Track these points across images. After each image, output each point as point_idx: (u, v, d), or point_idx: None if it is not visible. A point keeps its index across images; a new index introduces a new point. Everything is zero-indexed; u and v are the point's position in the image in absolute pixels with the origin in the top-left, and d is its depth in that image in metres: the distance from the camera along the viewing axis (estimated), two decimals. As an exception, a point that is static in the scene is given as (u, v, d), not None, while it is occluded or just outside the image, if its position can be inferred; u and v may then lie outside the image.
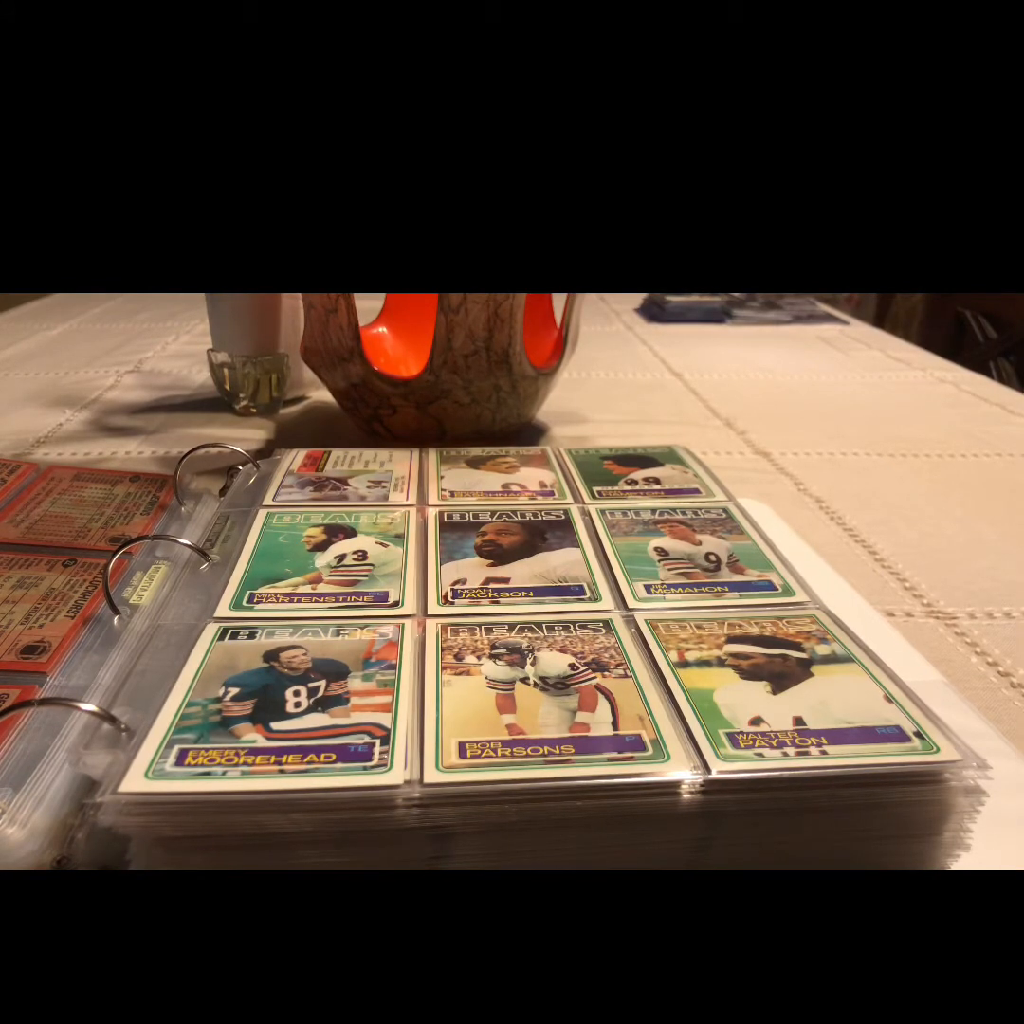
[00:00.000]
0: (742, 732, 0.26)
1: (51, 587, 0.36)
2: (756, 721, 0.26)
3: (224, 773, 0.24)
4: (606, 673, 0.29)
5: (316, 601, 0.33)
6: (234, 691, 0.27)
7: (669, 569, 0.37)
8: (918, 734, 0.26)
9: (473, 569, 0.36)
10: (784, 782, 0.24)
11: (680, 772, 0.24)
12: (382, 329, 0.67)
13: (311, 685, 0.28)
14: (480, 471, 0.48)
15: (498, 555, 0.38)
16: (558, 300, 0.64)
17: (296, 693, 0.27)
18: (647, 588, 0.35)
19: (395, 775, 0.24)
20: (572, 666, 0.29)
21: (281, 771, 0.24)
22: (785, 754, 0.25)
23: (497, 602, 0.34)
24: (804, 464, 0.61)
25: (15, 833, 0.24)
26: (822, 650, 0.30)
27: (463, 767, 0.24)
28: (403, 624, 0.32)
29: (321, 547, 0.38)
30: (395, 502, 0.43)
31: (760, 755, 0.25)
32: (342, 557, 0.37)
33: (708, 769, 0.24)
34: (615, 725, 0.26)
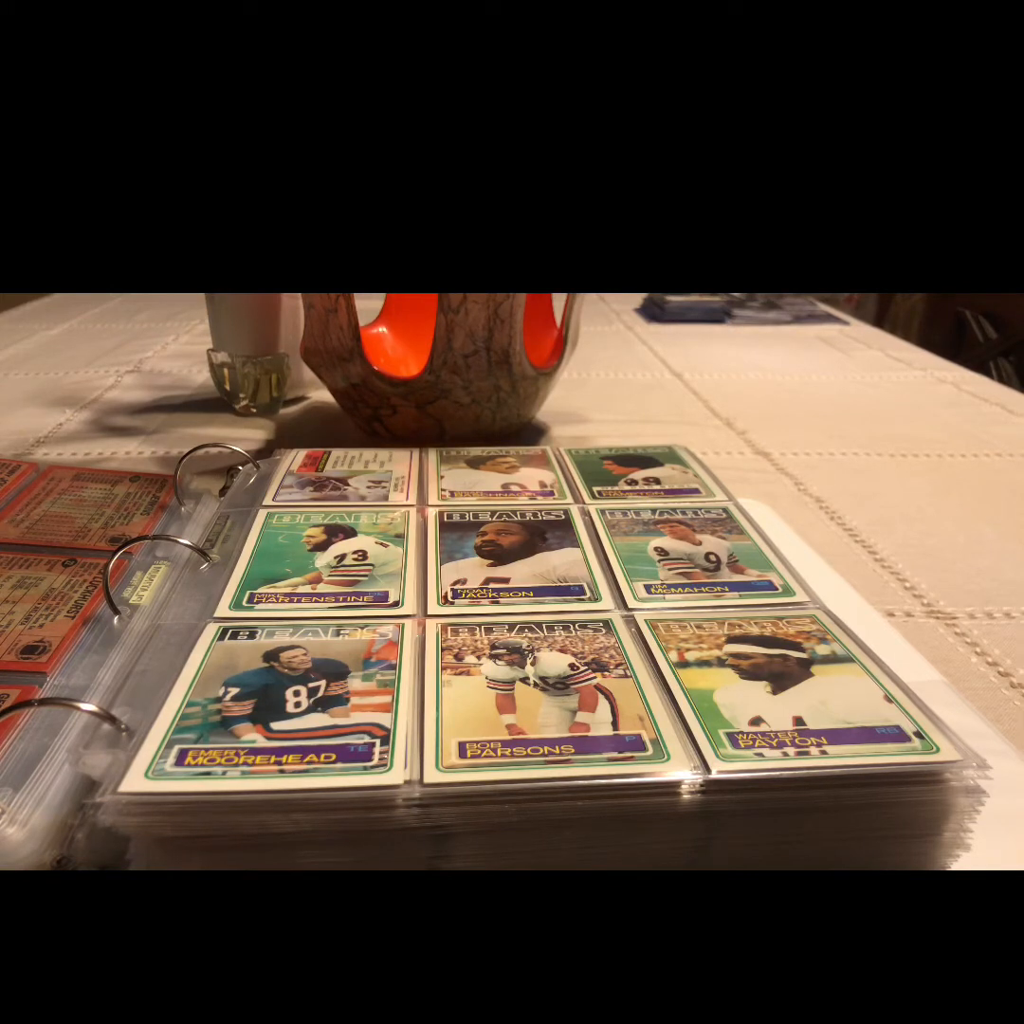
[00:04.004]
0: (742, 732, 0.26)
1: (51, 587, 0.36)
2: (756, 721, 0.26)
3: (224, 773, 0.24)
4: (606, 673, 0.29)
5: (316, 601, 0.33)
6: (234, 691, 0.27)
7: (669, 569, 0.37)
8: (918, 734, 0.26)
9: (473, 569, 0.36)
10: (784, 782, 0.24)
11: (680, 772, 0.24)
12: (382, 329, 0.67)
13: (311, 685, 0.28)
14: (480, 471, 0.48)
15: (498, 555, 0.38)
16: (558, 300, 0.64)
17: (296, 693, 0.27)
18: (647, 588, 0.35)
19: (395, 775, 0.24)
20: (572, 666, 0.29)
21: (281, 771, 0.24)
22: (785, 754, 0.25)
23: (497, 602, 0.34)
24: (804, 464, 0.61)
25: (15, 833, 0.24)
26: (822, 650, 0.30)
27: (463, 767, 0.24)
28: (403, 624, 0.32)
29: (321, 547, 0.38)
30: (395, 502, 0.43)
31: (760, 755, 0.25)
32: (342, 557, 0.37)
33: (708, 769, 0.24)
34: (615, 725, 0.26)
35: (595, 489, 0.45)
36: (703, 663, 0.29)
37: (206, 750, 0.25)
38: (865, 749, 0.25)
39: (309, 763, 0.24)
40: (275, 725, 0.26)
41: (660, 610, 0.33)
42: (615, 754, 0.25)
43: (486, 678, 0.28)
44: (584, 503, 0.43)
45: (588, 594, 0.34)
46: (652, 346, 0.96)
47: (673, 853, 0.25)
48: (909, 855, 0.25)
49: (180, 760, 0.24)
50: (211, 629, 0.31)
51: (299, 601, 0.33)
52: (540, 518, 0.41)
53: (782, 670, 0.29)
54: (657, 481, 0.46)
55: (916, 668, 0.35)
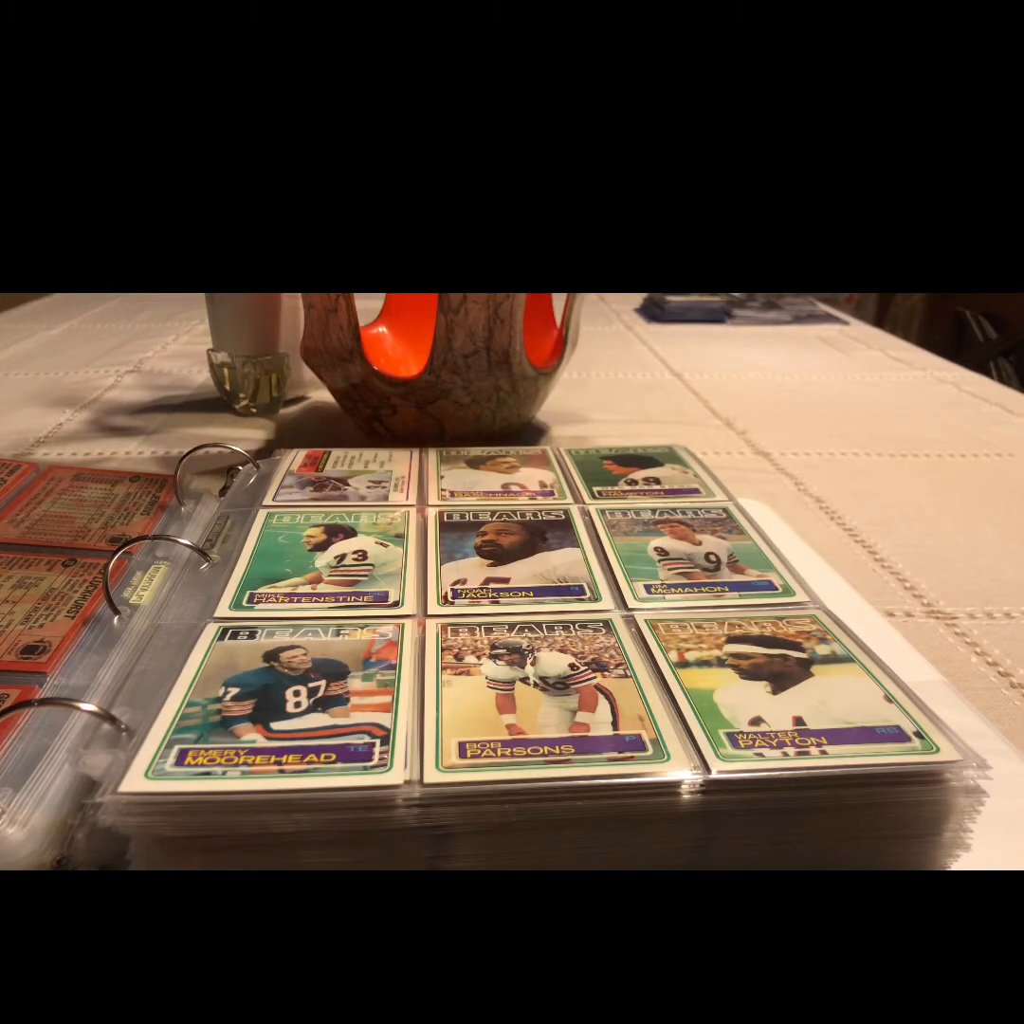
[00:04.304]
0: (742, 732, 0.26)
1: (51, 587, 0.36)
2: (756, 721, 0.26)
3: (224, 773, 0.24)
4: (606, 673, 0.29)
5: (316, 601, 0.33)
6: (234, 691, 0.27)
7: (669, 569, 0.37)
8: (918, 734, 0.26)
9: (473, 569, 0.36)
10: (784, 782, 0.24)
11: (680, 772, 0.24)
12: (382, 329, 0.67)
13: (311, 685, 0.28)
14: (480, 471, 0.48)
15: (498, 555, 0.38)
16: (558, 300, 0.64)
17: (296, 693, 0.27)
18: (647, 588, 0.35)
19: (395, 775, 0.24)
20: (572, 666, 0.29)
21: (281, 771, 0.24)
22: (785, 754, 0.25)
23: (497, 602, 0.34)
24: (804, 464, 0.61)
25: (15, 833, 0.24)
26: (822, 650, 0.30)
27: (463, 767, 0.24)
28: (403, 624, 0.32)
29: (321, 547, 0.38)
30: (395, 502, 0.43)
31: (760, 755, 0.25)
32: (342, 557, 0.37)
33: (708, 769, 0.24)
34: (615, 725, 0.26)
35: (595, 489, 0.45)
36: (703, 663, 0.29)
37: (206, 750, 0.25)
38: (865, 749, 0.25)
39: (309, 763, 0.24)
40: (275, 725, 0.26)
41: (660, 610, 0.33)
42: (615, 754, 0.25)
43: (486, 678, 0.28)
44: (584, 503, 0.43)
45: (588, 594, 0.34)
46: (652, 346, 0.96)
47: (673, 853, 0.25)
48: (909, 855, 0.25)
49: (180, 760, 0.24)
50: (211, 629, 0.31)
51: (299, 601, 0.33)
52: (540, 518, 0.41)
53: (782, 670, 0.29)
54: (657, 481, 0.46)
55: (916, 668, 0.35)
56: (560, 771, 0.24)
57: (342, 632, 0.31)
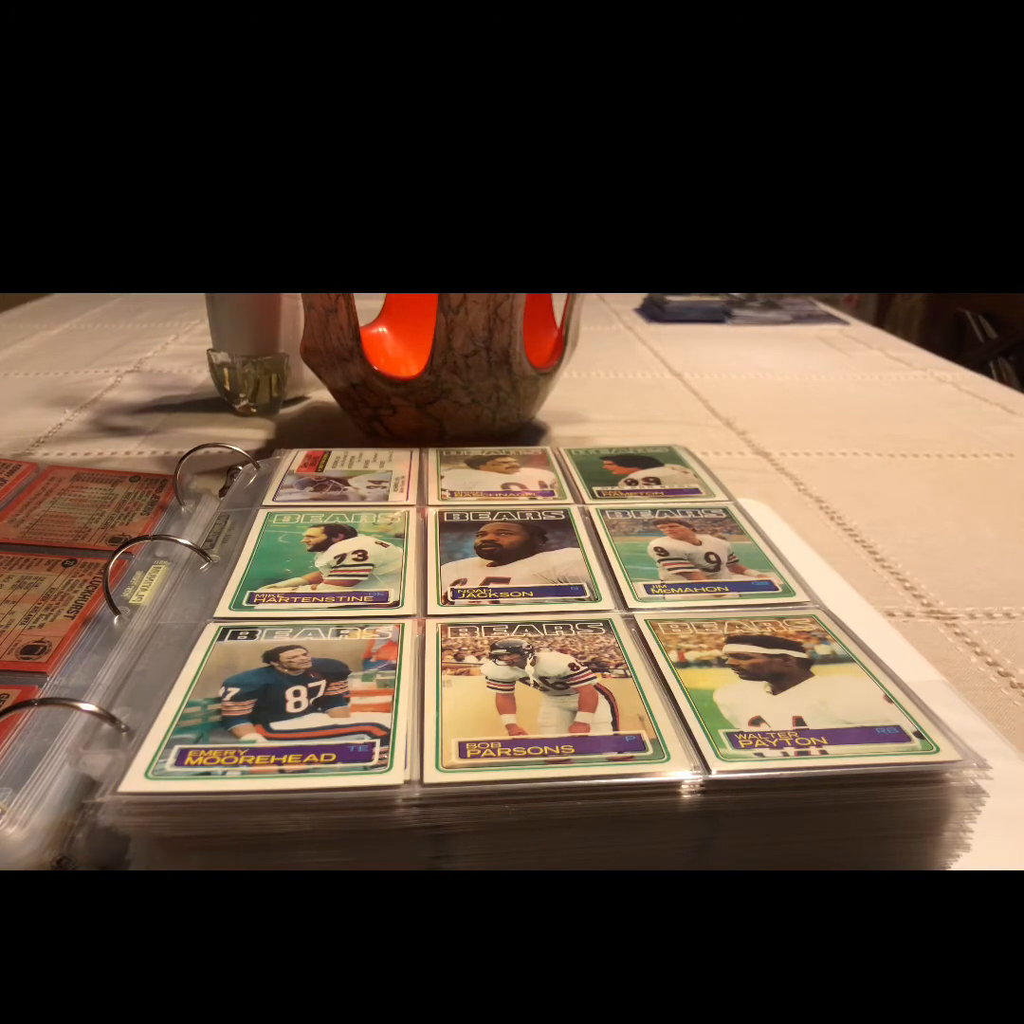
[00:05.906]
0: (742, 732, 0.26)
1: (51, 587, 0.36)
2: (756, 721, 0.26)
3: (224, 773, 0.24)
4: (606, 673, 0.29)
5: (316, 601, 0.33)
6: (234, 691, 0.27)
7: (669, 569, 0.37)
8: (918, 734, 0.26)
9: (473, 569, 0.36)
10: (784, 782, 0.24)
11: (680, 772, 0.24)
12: (382, 329, 0.67)
13: (311, 685, 0.28)
14: (480, 471, 0.48)
15: (498, 555, 0.38)
16: (558, 300, 0.64)
17: (296, 693, 0.27)
18: (647, 588, 0.35)
19: (395, 775, 0.24)
20: (572, 666, 0.29)
21: (281, 771, 0.24)
22: (785, 754, 0.25)
23: (497, 602, 0.34)
24: (804, 464, 0.61)
25: (15, 833, 0.24)
26: (822, 650, 0.30)
27: (463, 767, 0.24)
28: (403, 624, 0.32)
29: (321, 547, 0.38)
30: (395, 502, 0.43)
31: (760, 755, 0.25)
32: (342, 557, 0.37)
33: (708, 769, 0.24)
34: (615, 725, 0.26)
35: (595, 489, 0.45)
36: (703, 663, 0.29)
37: (206, 750, 0.25)
38: (865, 749, 0.25)
39: (309, 763, 0.24)
40: (275, 725, 0.26)
41: (660, 610, 0.33)
42: (615, 754, 0.25)
43: (486, 678, 0.28)
44: (584, 503, 0.43)
45: (588, 594, 0.34)
46: (652, 346, 0.96)
47: (673, 853, 0.25)
48: (909, 855, 0.25)
49: (180, 760, 0.24)
50: (211, 629, 0.31)
51: (299, 601, 0.33)
52: (540, 518, 0.41)
53: (782, 670, 0.29)
54: (657, 481, 0.46)
55: (916, 668, 0.35)
56: (560, 771, 0.24)
57: (342, 632, 0.31)
